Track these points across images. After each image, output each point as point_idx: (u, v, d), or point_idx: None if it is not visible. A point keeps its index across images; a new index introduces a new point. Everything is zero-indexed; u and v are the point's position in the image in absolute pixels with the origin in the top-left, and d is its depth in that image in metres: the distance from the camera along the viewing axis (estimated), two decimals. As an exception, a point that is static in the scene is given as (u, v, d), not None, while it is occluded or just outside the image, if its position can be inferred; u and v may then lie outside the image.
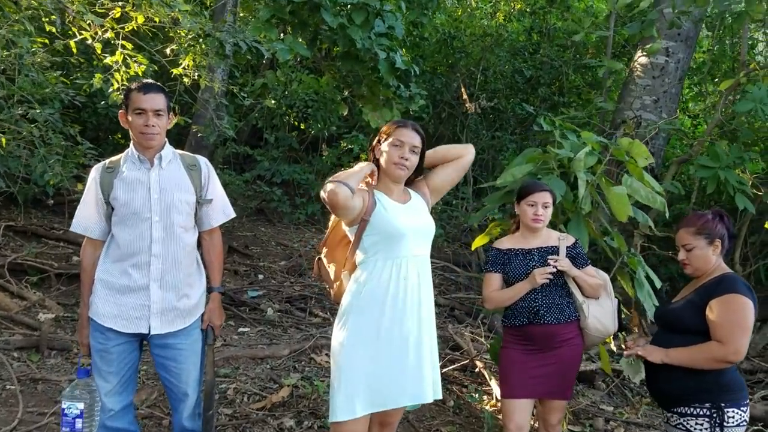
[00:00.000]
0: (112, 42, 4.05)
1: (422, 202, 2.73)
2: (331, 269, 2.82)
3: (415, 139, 2.58)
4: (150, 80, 2.73)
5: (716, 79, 8.03)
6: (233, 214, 2.89)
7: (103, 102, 7.81)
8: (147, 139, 2.56)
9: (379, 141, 2.65)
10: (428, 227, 2.65)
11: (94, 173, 2.64)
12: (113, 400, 2.64)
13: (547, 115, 3.97)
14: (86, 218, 2.62)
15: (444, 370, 4.70)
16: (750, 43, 6.86)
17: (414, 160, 2.60)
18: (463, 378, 4.70)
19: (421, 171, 2.73)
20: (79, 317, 2.76)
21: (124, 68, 4.05)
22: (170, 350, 2.68)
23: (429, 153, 2.74)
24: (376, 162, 2.66)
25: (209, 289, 2.82)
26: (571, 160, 3.56)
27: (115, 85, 4.11)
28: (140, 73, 4.03)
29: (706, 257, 2.67)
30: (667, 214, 3.61)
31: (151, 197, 2.59)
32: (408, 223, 2.55)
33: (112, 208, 2.59)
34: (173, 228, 2.62)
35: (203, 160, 2.78)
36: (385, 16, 4.81)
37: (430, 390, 2.59)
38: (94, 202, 2.62)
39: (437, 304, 6.28)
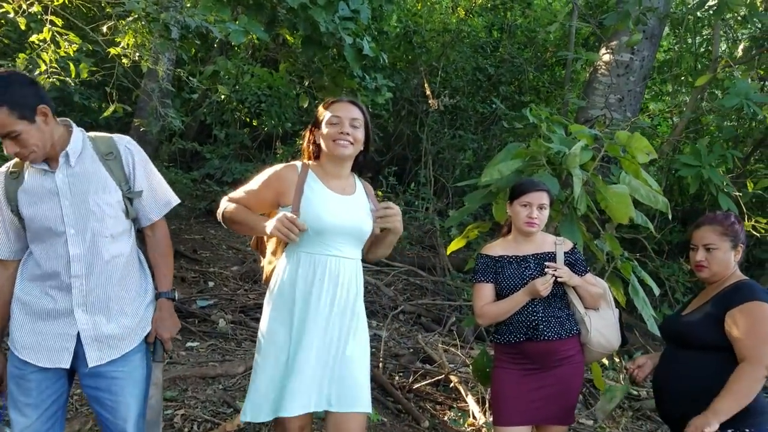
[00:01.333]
0: (40, 17, 3.48)
1: (365, 202, 2.43)
2: (270, 244, 2.48)
3: (354, 112, 2.36)
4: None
5: (681, 78, 7.92)
6: (176, 200, 2.40)
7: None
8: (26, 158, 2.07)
9: (316, 126, 2.41)
10: (359, 228, 2.34)
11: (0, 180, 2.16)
12: None
13: (532, 106, 3.63)
14: None
15: (416, 385, 4.31)
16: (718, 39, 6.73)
17: (358, 134, 2.36)
18: (437, 394, 4.32)
19: (367, 151, 2.46)
20: None
21: (53, 48, 3.49)
22: (103, 380, 2.20)
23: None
24: (317, 148, 2.42)
25: (157, 296, 2.35)
26: (561, 156, 3.23)
27: (43, 67, 3.54)
28: (71, 53, 3.49)
29: (728, 262, 2.41)
30: (670, 215, 3.31)
31: (62, 206, 2.11)
32: (334, 219, 2.29)
33: (22, 221, 2.15)
34: (95, 239, 2.15)
35: (122, 143, 2.25)
36: (349, -1, 4.39)
37: (344, 402, 2.29)
38: (2, 218, 2.17)
39: (404, 312, 5.89)
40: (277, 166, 2.40)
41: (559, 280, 2.57)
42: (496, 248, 2.78)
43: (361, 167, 2.50)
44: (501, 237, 2.88)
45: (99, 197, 2.15)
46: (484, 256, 2.77)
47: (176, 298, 2.39)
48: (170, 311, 2.35)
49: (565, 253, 2.70)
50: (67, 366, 2.16)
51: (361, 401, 2.31)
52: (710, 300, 2.42)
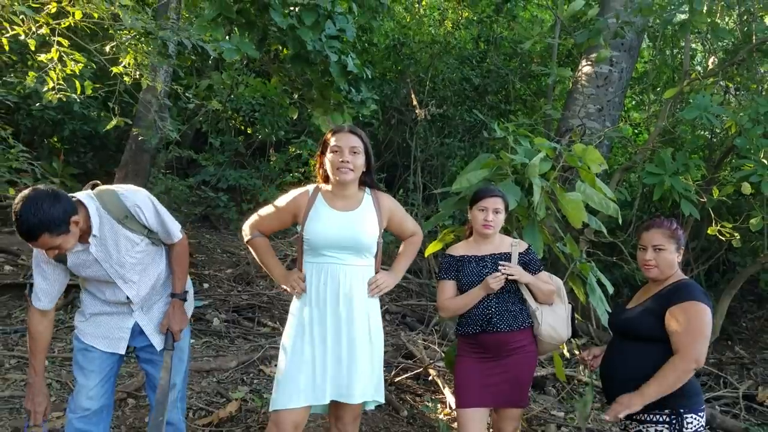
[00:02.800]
0: (48, 39, 3.80)
1: (372, 215, 2.77)
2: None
3: (352, 140, 2.68)
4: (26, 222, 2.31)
5: (658, 89, 8.26)
6: (178, 232, 2.79)
7: (38, 104, 7.46)
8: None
9: (323, 153, 2.77)
10: (356, 241, 2.69)
11: (42, 255, 2.52)
12: (91, 399, 2.67)
13: (501, 121, 3.95)
14: (43, 294, 2.60)
15: (397, 378, 4.62)
16: (690, 53, 7.08)
17: (357, 160, 2.69)
18: (417, 387, 4.63)
19: (370, 175, 2.81)
20: (28, 385, 2.68)
21: (60, 66, 3.81)
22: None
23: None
24: (326, 172, 2.77)
25: (171, 295, 2.83)
26: (525, 166, 3.55)
27: (50, 84, 3.86)
28: (77, 72, 3.80)
29: (673, 262, 2.68)
30: (620, 220, 3.63)
31: (105, 268, 2.61)
32: (332, 234, 2.66)
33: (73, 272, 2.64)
34: (141, 276, 2.69)
35: (131, 205, 2.59)
36: (335, 19, 4.70)
37: (352, 392, 2.63)
38: (47, 278, 2.58)
39: (389, 312, 6.20)
40: (294, 191, 2.83)
41: (510, 278, 2.89)
42: (459, 249, 3.11)
43: (370, 185, 2.84)
44: (465, 239, 3.20)
45: (129, 253, 2.62)
46: (447, 255, 3.09)
47: (186, 299, 2.86)
48: (181, 309, 2.83)
49: (519, 253, 3.02)
50: (123, 352, 2.75)
51: (364, 393, 2.66)
52: (653, 296, 2.69)
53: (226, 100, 8.53)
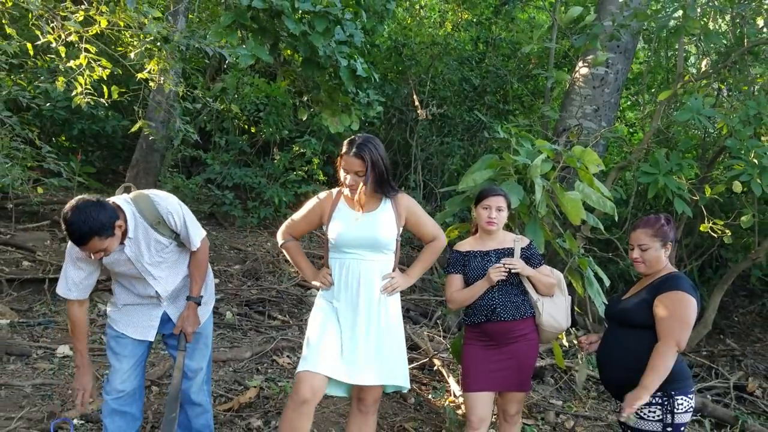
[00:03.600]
0: (76, 45, 4.01)
1: (390, 215, 2.99)
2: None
3: (355, 165, 2.87)
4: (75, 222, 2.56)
5: (653, 90, 8.48)
6: (201, 237, 2.99)
7: (48, 104, 7.63)
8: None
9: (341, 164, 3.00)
10: (372, 238, 2.93)
11: (75, 249, 2.73)
12: (124, 382, 2.92)
13: (503, 123, 4.17)
14: (74, 286, 2.80)
15: (403, 368, 4.83)
16: (684, 55, 7.30)
17: (360, 180, 2.88)
18: (422, 376, 4.86)
19: (385, 185, 2.97)
20: (76, 368, 2.93)
21: (87, 72, 4.02)
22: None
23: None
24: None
25: (187, 298, 3.03)
26: (527, 167, 3.77)
27: (79, 89, 4.08)
28: (104, 77, 4.02)
29: (659, 258, 2.90)
30: (616, 217, 3.85)
31: (138, 267, 2.84)
32: (350, 233, 2.92)
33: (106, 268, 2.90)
34: (168, 274, 2.94)
35: (164, 210, 2.81)
36: (345, 25, 4.93)
37: (370, 375, 2.86)
38: (79, 272, 2.79)
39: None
40: (320, 194, 3.09)
41: (513, 271, 3.12)
42: (465, 245, 3.34)
43: (385, 192, 2.99)
44: (471, 236, 3.43)
45: (159, 254, 2.87)
46: (455, 251, 3.32)
47: (200, 303, 3.06)
48: (194, 311, 3.02)
49: (522, 248, 3.24)
50: (152, 339, 2.99)
51: (386, 377, 2.90)
52: (645, 288, 2.92)
53: (232, 100, 8.70)
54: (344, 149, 2.91)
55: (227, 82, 5.20)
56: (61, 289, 2.82)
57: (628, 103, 10.64)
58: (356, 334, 2.88)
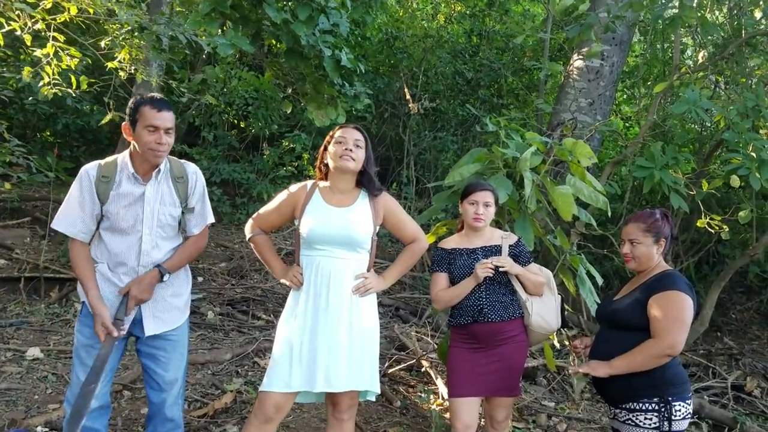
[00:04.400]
0: (43, 34, 3.81)
1: (366, 212, 2.82)
2: None
3: (356, 135, 2.79)
4: (159, 95, 2.72)
5: (649, 83, 8.32)
6: (212, 219, 2.90)
7: (31, 98, 7.45)
8: (156, 156, 2.60)
9: (326, 149, 2.85)
10: (348, 237, 2.74)
11: (87, 179, 2.62)
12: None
13: (493, 116, 4.00)
14: (74, 223, 2.63)
15: (390, 370, 4.67)
16: (680, 47, 7.14)
17: (359, 153, 2.77)
18: (410, 378, 4.69)
19: (370, 179, 2.83)
20: (94, 313, 2.61)
21: (55, 61, 3.82)
22: (161, 341, 2.76)
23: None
24: (327, 168, 2.86)
25: (156, 265, 2.71)
26: (516, 160, 3.60)
27: (46, 79, 3.88)
28: (73, 67, 3.82)
29: (650, 254, 2.74)
30: (609, 213, 3.69)
31: (144, 211, 2.65)
32: (324, 229, 2.72)
33: (103, 216, 2.64)
34: (159, 240, 2.70)
35: (191, 171, 2.79)
36: (329, 13, 4.73)
37: (338, 380, 2.64)
38: (85, 208, 2.62)
39: (382, 305, 6.25)
40: (294, 186, 2.92)
41: (501, 269, 2.94)
42: (451, 242, 3.16)
43: (367, 185, 2.86)
44: (457, 232, 3.25)
45: (168, 209, 2.70)
46: (440, 249, 3.15)
47: (165, 280, 2.72)
48: (151, 281, 2.69)
49: (510, 246, 3.07)
50: (137, 334, 2.72)
51: (353, 381, 2.67)
52: (638, 287, 2.76)
53: (219, 94, 8.53)
54: (338, 126, 2.85)
55: (208, 73, 5.02)
56: (61, 224, 2.63)
57: (624, 96, 10.47)
58: (325, 338, 2.68)
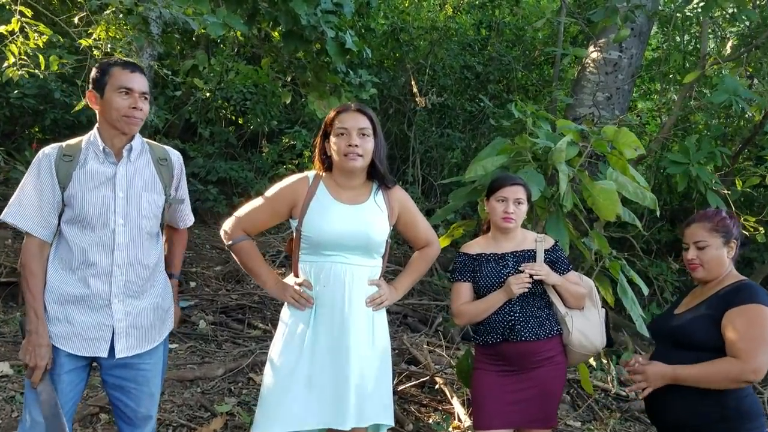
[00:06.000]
0: (8, 8, 3.36)
1: (382, 209, 2.38)
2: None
3: (360, 121, 2.32)
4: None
5: (670, 76, 7.88)
6: (191, 220, 2.58)
7: (16, 91, 7.06)
8: (131, 123, 2.20)
9: (326, 136, 2.40)
10: (364, 236, 2.29)
11: (46, 160, 2.16)
12: None
13: (517, 101, 3.54)
14: (30, 214, 2.16)
15: (400, 387, 4.21)
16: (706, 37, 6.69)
17: (367, 145, 2.33)
18: (422, 396, 4.23)
19: (384, 173, 2.39)
20: (28, 334, 2.15)
21: (21, 39, 3.37)
22: (131, 371, 2.28)
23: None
24: (329, 159, 2.39)
25: (169, 275, 2.47)
26: (548, 151, 3.14)
27: (11, 59, 3.42)
28: (41, 45, 3.37)
29: (721, 259, 2.31)
30: (658, 212, 3.23)
31: (116, 196, 2.21)
32: (338, 231, 2.29)
33: (65, 205, 2.19)
34: (139, 233, 2.25)
35: (175, 154, 2.42)
36: (332, -9, 4.27)
37: (351, 416, 2.20)
38: (42, 195, 2.16)
39: (389, 312, 5.78)
40: (290, 178, 2.43)
41: (536, 278, 2.49)
42: (475, 246, 2.71)
43: (380, 176, 2.41)
44: (482, 235, 2.79)
45: (150, 196, 2.27)
46: (462, 254, 2.69)
47: (181, 282, 2.51)
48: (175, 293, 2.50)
49: (545, 250, 2.62)
50: (105, 354, 2.20)
51: (362, 416, 2.24)
52: (707, 300, 2.33)
53: (216, 88, 8.14)
54: (339, 109, 2.35)
55: (198, 58, 4.60)
56: (13, 216, 2.16)
57: (640, 92, 10.02)
58: (337, 366, 2.23)
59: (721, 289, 2.29)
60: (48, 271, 2.21)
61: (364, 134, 2.31)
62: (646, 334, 2.96)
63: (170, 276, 2.47)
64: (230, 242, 2.45)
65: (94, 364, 2.31)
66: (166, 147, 2.44)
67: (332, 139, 2.34)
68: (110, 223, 2.19)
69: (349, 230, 2.29)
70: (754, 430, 2.17)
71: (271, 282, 2.42)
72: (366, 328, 2.30)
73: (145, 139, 2.36)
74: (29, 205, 2.16)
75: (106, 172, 2.20)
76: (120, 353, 2.23)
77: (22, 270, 2.20)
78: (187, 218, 2.54)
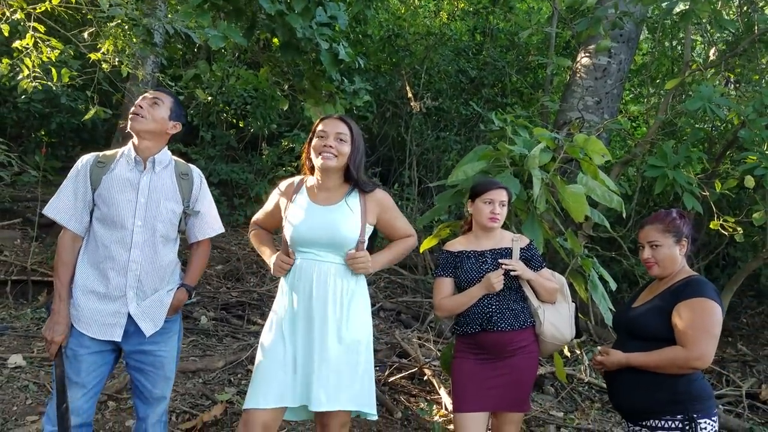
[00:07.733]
0: (22, 24, 3.61)
1: (355, 211, 2.59)
2: None
3: (339, 127, 2.55)
4: (152, 91, 2.70)
5: (657, 81, 8.10)
6: (222, 229, 2.83)
7: (23, 96, 7.27)
8: (134, 120, 2.55)
9: (310, 141, 2.63)
10: (331, 237, 2.52)
11: (83, 165, 2.57)
12: (72, 414, 2.44)
13: (498, 111, 3.78)
14: (66, 209, 2.54)
15: (391, 378, 4.46)
16: (690, 44, 6.92)
17: (343, 148, 2.54)
18: (411, 387, 4.47)
19: (359, 172, 2.61)
20: (52, 312, 2.50)
21: (35, 53, 3.61)
22: (150, 357, 2.60)
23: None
24: (312, 165, 2.62)
25: (181, 284, 2.71)
26: (524, 158, 3.38)
27: (26, 72, 3.67)
28: (53, 59, 3.62)
29: (674, 256, 2.54)
30: (624, 213, 3.47)
31: (137, 201, 2.54)
32: (305, 229, 2.53)
33: (95, 205, 2.54)
34: (154, 235, 2.56)
35: (197, 171, 2.74)
36: (327, 5, 4.51)
37: (319, 400, 2.42)
38: (77, 194, 2.54)
39: (383, 309, 6.04)
40: (282, 184, 2.74)
41: (512, 274, 2.73)
42: (457, 244, 2.94)
43: (357, 181, 2.61)
44: (462, 234, 3.03)
45: (168, 204, 2.58)
46: (445, 251, 2.93)
47: (192, 293, 2.76)
48: (181, 300, 2.70)
49: (521, 249, 2.85)
50: (119, 339, 2.51)
51: (339, 400, 2.43)
52: (660, 294, 2.54)
53: (218, 93, 8.35)
54: (323, 117, 2.62)
55: (200, 68, 4.81)
56: (52, 210, 2.54)
57: (631, 96, 10.24)
58: (310, 351, 2.45)
59: (673, 284, 2.51)
60: (78, 265, 2.54)
61: (341, 139, 2.53)
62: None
63: (181, 284, 2.69)
64: (250, 231, 2.89)
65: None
66: (190, 165, 2.75)
67: (313, 141, 2.58)
68: (130, 223, 2.51)
69: (315, 229, 2.52)
70: (704, 410, 2.37)
71: (266, 255, 2.73)
72: (333, 321, 2.48)
73: (174, 157, 2.69)
74: (66, 202, 2.53)
75: (132, 179, 2.54)
76: (149, 331, 2.54)
77: (56, 257, 2.55)
78: (199, 232, 2.72)
